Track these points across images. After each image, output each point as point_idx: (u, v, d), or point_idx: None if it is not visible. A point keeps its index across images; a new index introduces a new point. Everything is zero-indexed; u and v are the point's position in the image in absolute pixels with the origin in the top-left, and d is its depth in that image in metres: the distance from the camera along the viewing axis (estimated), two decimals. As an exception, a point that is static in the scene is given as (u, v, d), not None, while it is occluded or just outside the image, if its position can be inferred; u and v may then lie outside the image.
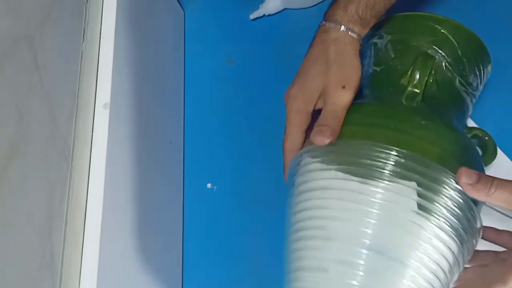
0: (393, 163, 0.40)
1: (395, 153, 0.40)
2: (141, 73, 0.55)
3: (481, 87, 0.52)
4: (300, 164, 0.45)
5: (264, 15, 0.69)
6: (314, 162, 0.43)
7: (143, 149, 0.52)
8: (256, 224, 0.59)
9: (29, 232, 0.36)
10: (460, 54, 0.49)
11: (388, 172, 0.40)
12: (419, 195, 0.39)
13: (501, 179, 0.39)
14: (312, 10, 0.71)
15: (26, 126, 0.36)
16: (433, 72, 0.47)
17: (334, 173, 0.41)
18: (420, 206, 0.39)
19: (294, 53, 0.69)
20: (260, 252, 0.57)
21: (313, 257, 0.41)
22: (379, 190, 0.39)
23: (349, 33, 0.48)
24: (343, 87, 0.46)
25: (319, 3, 0.69)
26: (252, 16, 0.69)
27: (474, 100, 0.52)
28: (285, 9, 0.70)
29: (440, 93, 0.48)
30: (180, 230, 0.60)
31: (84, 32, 0.47)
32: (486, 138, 0.51)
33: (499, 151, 0.53)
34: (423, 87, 0.46)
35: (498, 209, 0.41)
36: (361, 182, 0.40)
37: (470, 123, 0.57)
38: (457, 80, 0.49)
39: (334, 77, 0.47)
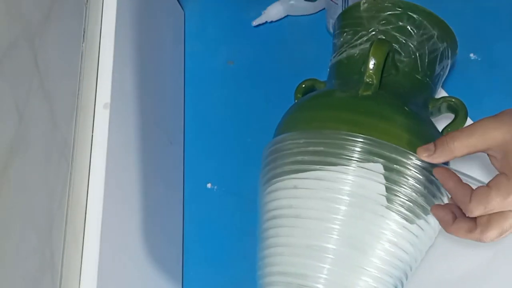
0: (358, 148, 0.42)
1: (360, 139, 0.42)
2: (141, 73, 0.55)
3: (446, 70, 0.52)
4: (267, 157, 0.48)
5: (266, 22, 0.69)
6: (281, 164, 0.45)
7: (143, 149, 0.52)
8: (256, 223, 0.58)
9: (29, 232, 0.36)
10: (419, 35, 0.49)
11: (354, 157, 0.42)
12: (385, 178, 0.41)
13: (452, 132, 0.40)
14: (311, 15, 0.71)
15: (26, 126, 0.36)
16: (390, 57, 0.47)
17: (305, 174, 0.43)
18: (387, 189, 0.41)
19: (294, 53, 0.69)
20: (260, 252, 0.57)
21: (284, 239, 0.43)
22: (348, 176, 0.41)
23: None
24: None
25: (321, 10, 0.69)
26: (254, 23, 0.68)
27: (439, 81, 0.52)
28: (287, 15, 0.69)
29: (400, 77, 0.48)
30: (180, 230, 0.60)
31: (84, 32, 0.47)
32: (457, 103, 0.49)
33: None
34: (379, 75, 0.45)
35: (464, 176, 0.42)
36: (330, 170, 0.42)
37: (469, 121, 0.57)
38: (418, 63, 0.49)
39: None
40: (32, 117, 0.37)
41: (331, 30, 0.67)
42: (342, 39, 0.52)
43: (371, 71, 0.45)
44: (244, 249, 0.58)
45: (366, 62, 0.45)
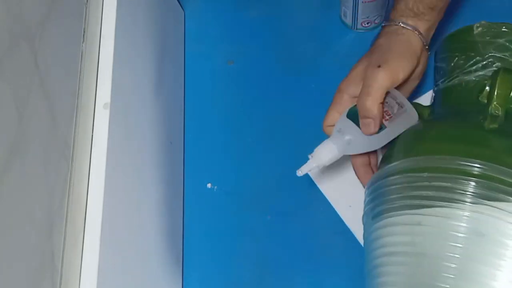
0: (487, 185, 0.39)
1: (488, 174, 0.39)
2: (141, 73, 0.55)
3: None
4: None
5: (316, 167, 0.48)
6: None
7: (143, 149, 0.52)
8: (256, 224, 0.59)
9: (29, 232, 0.36)
10: None
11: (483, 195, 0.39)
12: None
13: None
14: (313, 12, 0.71)
15: (26, 126, 0.36)
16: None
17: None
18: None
19: (294, 53, 0.69)
20: (259, 252, 0.57)
21: (403, 277, 0.41)
22: (475, 214, 0.39)
23: (401, 24, 0.49)
24: (378, 66, 0.46)
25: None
26: (300, 172, 0.47)
27: None
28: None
29: None
30: (180, 230, 0.60)
31: (84, 32, 0.47)
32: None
33: None
34: (505, 107, 0.43)
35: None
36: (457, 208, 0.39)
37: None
38: None
39: (374, 58, 0.47)
40: (32, 117, 0.37)
41: (345, 20, 0.67)
42: (452, 64, 0.49)
43: (496, 103, 0.43)
44: (244, 249, 0.58)
45: (490, 92, 0.43)
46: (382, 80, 0.45)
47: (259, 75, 0.67)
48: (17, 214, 0.34)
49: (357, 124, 0.47)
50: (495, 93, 0.43)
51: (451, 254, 0.39)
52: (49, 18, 0.41)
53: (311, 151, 0.48)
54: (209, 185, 0.62)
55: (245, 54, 0.69)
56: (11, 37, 0.35)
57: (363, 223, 0.48)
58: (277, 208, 0.59)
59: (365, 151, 0.49)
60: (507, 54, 0.46)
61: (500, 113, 0.43)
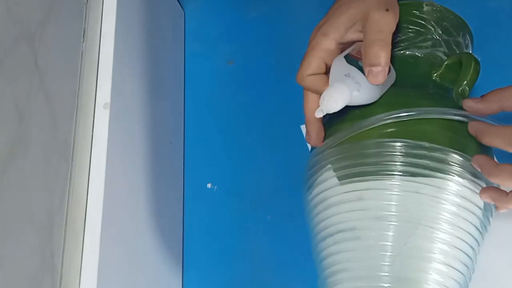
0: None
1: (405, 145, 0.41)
2: (141, 73, 0.55)
3: None
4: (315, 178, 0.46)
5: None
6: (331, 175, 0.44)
7: (143, 149, 0.52)
8: (256, 224, 0.59)
9: (29, 232, 0.36)
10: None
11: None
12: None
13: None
14: (313, 12, 0.71)
15: (26, 126, 0.36)
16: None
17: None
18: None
19: (294, 53, 0.69)
20: (260, 252, 0.57)
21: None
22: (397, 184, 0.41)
23: None
24: (387, 10, 0.41)
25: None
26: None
27: None
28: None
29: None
30: (180, 230, 0.60)
31: (84, 32, 0.47)
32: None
33: None
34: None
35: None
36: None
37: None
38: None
39: (378, 1, 0.42)
40: (32, 117, 0.37)
41: None
42: (402, 35, 0.49)
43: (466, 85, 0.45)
44: (244, 249, 0.58)
45: (464, 75, 0.45)
46: (393, 25, 0.42)
47: (259, 75, 0.67)
48: (17, 214, 0.34)
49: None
50: (469, 76, 0.45)
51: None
52: (49, 18, 0.41)
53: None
54: (209, 185, 0.62)
55: (245, 54, 0.69)
56: (11, 37, 0.35)
57: (314, 184, 0.48)
58: (277, 208, 0.59)
59: (366, 102, 0.44)
60: (451, 39, 0.49)
61: (467, 95, 0.45)
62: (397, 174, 0.41)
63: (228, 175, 0.62)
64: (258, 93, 0.65)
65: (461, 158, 0.42)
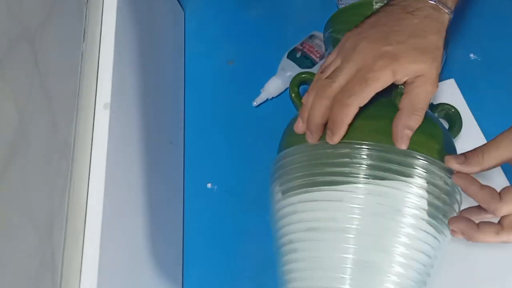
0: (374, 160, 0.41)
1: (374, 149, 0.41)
2: (141, 73, 0.55)
3: None
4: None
5: (267, 99, 0.65)
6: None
7: (143, 149, 0.52)
8: (256, 223, 0.59)
9: (30, 231, 0.36)
10: None
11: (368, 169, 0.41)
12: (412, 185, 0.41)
13: (481, 146, 0.40)
14: (313, 12, 0.71)
15: (26, 126, 0.36)
16: None
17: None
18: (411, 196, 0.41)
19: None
20: (260, 251, 0.57)
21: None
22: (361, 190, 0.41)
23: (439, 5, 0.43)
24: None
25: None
26: (255, 103, 0.64)
27: None
28: (287, 88, 0.64)
29: None
30: (180, 230, 0.60)
31: (84, 32, 0.47)
32: (453, 111, 0.50)
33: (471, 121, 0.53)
34: None
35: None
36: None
37: (471, 120, 0.57)
38: None
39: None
40: (32, 117, 0.37)
41: (339, 4, 0.67)
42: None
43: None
44: (244, 249, 0.58)
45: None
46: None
47: (259, 75, 0.67)
48: (18, 213, 0.34)
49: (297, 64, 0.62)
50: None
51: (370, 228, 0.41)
52: (49, 18, 0.41)
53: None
54: (209, 185, 0.62)
55: (245, 54, 0.69)
56: (11, 37, 0.35)
57: (271, 198, 0.49)
58: (277, 208, 0.59)
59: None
60: None
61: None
62: (323, 185, 0.42)
63: (228, 175, 0.62)
64: (258, 93, 0.65)
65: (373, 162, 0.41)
